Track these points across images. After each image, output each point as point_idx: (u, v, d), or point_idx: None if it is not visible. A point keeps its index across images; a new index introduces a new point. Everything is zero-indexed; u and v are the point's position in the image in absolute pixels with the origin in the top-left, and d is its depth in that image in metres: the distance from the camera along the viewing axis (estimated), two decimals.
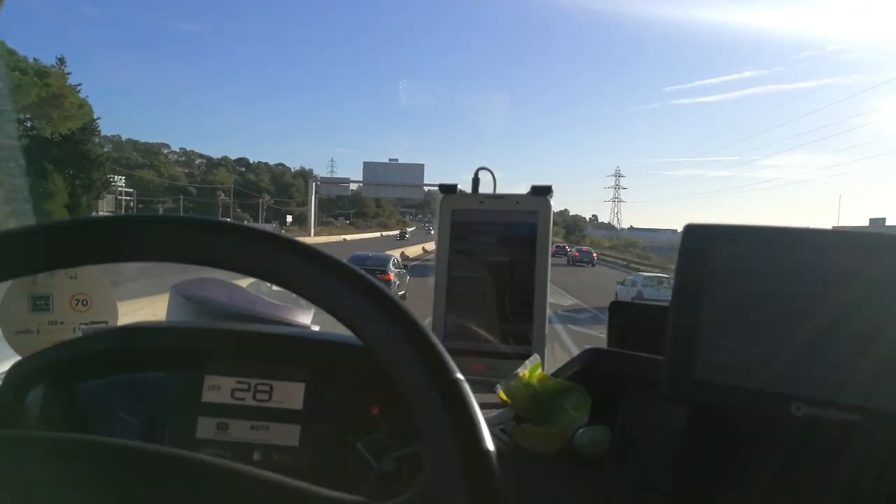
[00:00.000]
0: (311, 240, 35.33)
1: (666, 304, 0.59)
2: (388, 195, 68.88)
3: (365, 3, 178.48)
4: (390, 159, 49.58)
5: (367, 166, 48.82)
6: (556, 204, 0.85)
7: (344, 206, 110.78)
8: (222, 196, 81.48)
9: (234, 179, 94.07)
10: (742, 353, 0.53)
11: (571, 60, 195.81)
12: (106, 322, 0.94)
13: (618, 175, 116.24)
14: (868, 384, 0.48)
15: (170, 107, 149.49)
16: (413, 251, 40.78)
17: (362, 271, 0.40)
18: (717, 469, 0.60)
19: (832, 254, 0.51)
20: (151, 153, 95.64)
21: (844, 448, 0.52)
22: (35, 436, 0.40)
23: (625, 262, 49.23)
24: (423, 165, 48.94)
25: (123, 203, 63.08)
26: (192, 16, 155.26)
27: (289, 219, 76.93)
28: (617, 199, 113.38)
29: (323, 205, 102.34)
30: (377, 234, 76.56)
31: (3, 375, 0.76)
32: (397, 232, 79.72)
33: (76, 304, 0.93)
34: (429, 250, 42.46)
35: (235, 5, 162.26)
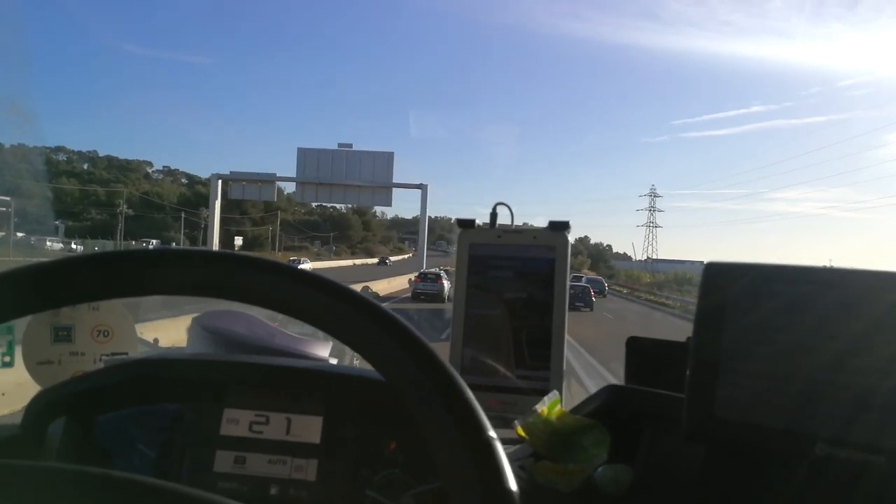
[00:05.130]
0: None
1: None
2: (338, 202, 43.65)
3: (376, 24, 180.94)
4: (340, 144, 29.85)
5: (304, 155, 29.28)
6: (573, 231, 0.82)
7: (327, 228, 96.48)
8: (125, 207, 65.63)
9: (181, 193, 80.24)
10: (760, 390, 0.53)
11: (580, 93, 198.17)
12: (126, 353, 0.95)
13: (653, 195, 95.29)
14: (883, 422, 0.48)
15: (160, 128, 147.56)
16: (389, 285, 27.94)
17: (393, 312, 0.39)
18: None
19: (841, 291, 0.52)
20: (129, 170, 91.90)
21: (861, 486, 0.51)
22: (54, 468, 0.40)
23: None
24: (391, 154, 30.18)
25: None
26: (196, 49, 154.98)
27: (238, 241, 58.68)
28: (652, 224, 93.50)
29: (295, 226, 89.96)
30: (350, 263, 62.07)
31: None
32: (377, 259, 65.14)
33: (97, 335, 0.94)
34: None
35: (236, 31, 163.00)
